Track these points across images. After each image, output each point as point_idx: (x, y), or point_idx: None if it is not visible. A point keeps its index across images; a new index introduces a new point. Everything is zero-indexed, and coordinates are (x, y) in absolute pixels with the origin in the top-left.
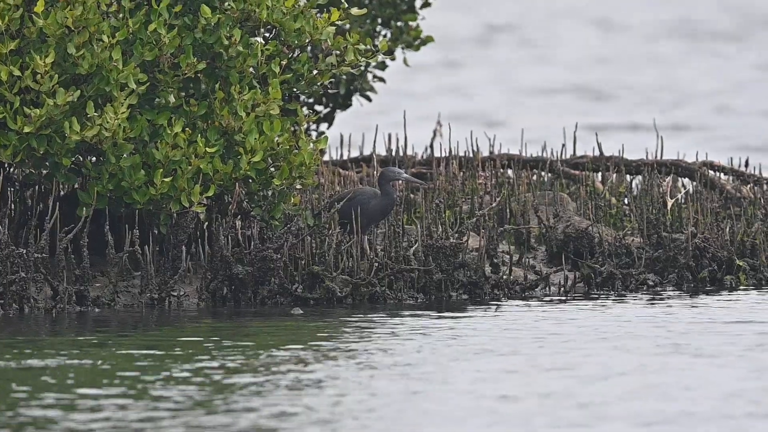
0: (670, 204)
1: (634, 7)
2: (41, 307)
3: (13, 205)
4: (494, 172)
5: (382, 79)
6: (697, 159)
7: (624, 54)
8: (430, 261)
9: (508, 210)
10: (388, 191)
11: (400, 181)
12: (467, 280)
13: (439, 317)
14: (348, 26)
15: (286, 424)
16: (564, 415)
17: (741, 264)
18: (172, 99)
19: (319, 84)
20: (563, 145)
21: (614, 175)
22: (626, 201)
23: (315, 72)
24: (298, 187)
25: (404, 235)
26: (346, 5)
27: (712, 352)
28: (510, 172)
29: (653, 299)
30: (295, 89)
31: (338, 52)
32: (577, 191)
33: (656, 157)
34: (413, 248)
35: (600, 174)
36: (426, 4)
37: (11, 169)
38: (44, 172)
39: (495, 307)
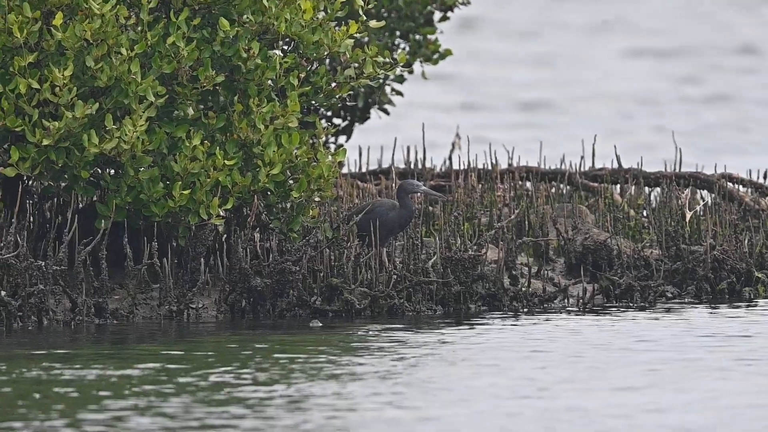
0: (688, 216)
1: None
2: (60, 320)
3: (31, 218)
4: (513, 185)
5: (400, 93)
6: (715, 171)
7: None
8: (448, 273)
9: (526, 222)
10: (407, 203)
11: (419, 194)
12: (486, 292)
13: (458, 329)
14: (366, 39)
15: None
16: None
17: (760, 276)
18: (190, 111)
19: (337, 97)
20: (582, 158)
21: (633, 188)
22: (645, 213)
23: (333, 85)
24: (317, 199)
25: (423, 248)
26: (365, 18)
27: (728, 365)
28: (528, 184)
29: (672, 311)
30: (313, 102)
31: (356, 64)
32: (595, 203)
33: (675, 169)
34: (432, 260)
35: (618, 186)
36: (444, 18)
37: (30, 182)
38: (63, 184)
39: (514, 319)
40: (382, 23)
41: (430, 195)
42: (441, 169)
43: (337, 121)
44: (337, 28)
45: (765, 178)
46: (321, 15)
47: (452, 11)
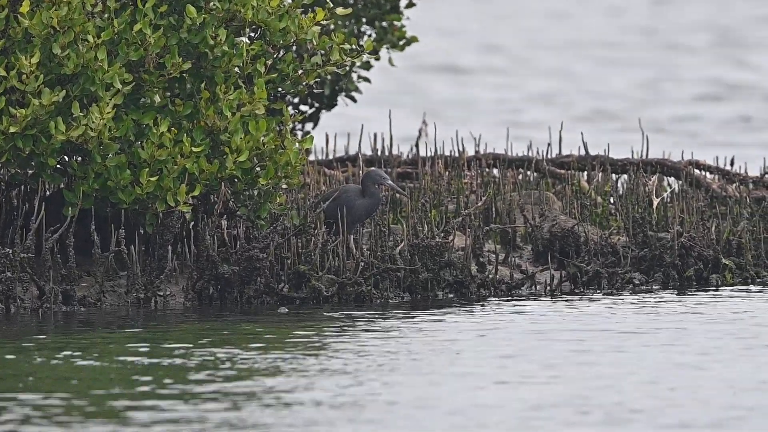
0: (656, 203)
1: None
2: (27, 307)
3: None
4: (480, 172)
5: (367, 79)
6: (682, 158)
7: None
8: (416, 260)
9: (493, 209)
10: (374, 192)
11: (385, 186)
12: (453, 279)
13: (425, 316)
14: (333, 26)
15: (270, 425)
16: (538, 420)
17: (727, 263)
18: (157, 99)
19: (304, 84)
20: (549, 145)
21: (600, 174)
22: (612, 200)
23: (300, 72)
24: (284, 186)
25: (390, 235)
26: (331, 5)
27: (697, 350)
28: (495, 171)
29: (639, 298)
30: (280, 89)
31: (323, 52)
32: (562, 190)
33: (642, 156)
34: (399, 247)
35: (586, 173)
36: (410, 5)
37: None
38: (30, 172)
39: (481, 306)
40: (349, 10)
41: (394, 190)
42: (408, 156)
43: (304, 108)
44: (303, 15)
45: (732, 165)
46: (288, 2)
47: None
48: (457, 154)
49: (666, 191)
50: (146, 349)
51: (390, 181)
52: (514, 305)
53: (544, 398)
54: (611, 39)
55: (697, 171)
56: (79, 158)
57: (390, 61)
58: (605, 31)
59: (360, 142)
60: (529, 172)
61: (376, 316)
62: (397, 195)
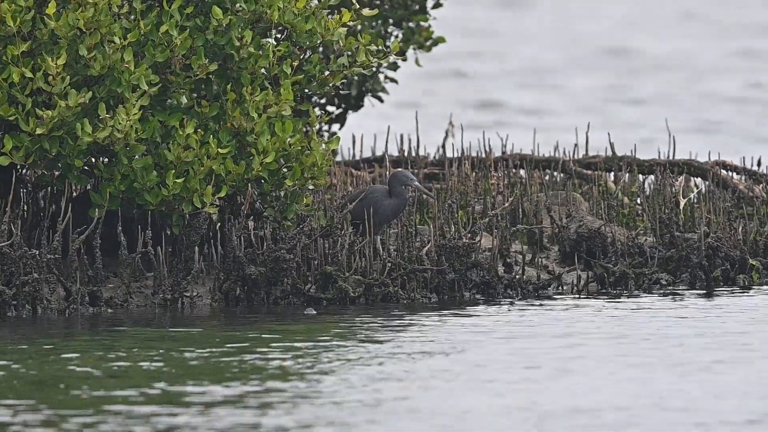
0: (682, 203)
1: None
2: (54, 308)
3: (25, 207)
4: (506, 172)
5: (393, 80)
6: (709, 158)
7: None
8: (443, 261)
9: (520, 210)
10: (400, 192)
11: (412, 187)
12: (480, 279)
13: (452, 317)
14: (359, 28)
15: (294, 428)
16: (564, 423)
17: (754, 263)
18: (183, 100)
19: (330, 85)
20: (575, 145)
21: (627, 175)
22: (639, 201)
23: (327, 73)
24: (311, 187)
25: (417, 235)
26: (358, 6)
27: (723, 352)
28: (522, 172)
29: (666, 298)
30: (306, 90)
31: (350, 53)
32: (589, 191)
33: (669, 156)
34: (426, 248)
35: (612, 174)
36: (437, 5)
37: (24, 171)
38: (56, 173)
39: (508, 306)
40: (375, 11)
41: (421, 191)
42: (434, 157)
43: (330, 109)
44: (330, 16)
45: (759, 165)
46: (314, 3)
47: None
48: (483, 155)
49: (693, 192)
50: (172, 350)
51: (417, 182)
52: (541, 306)
53: (563, 402)
54: None
55: (723, 171)
56: (106, 160)
57: (417, 61)
58: None
59: (387, 142)
60: (555, 173)
61: (403, 316)
62: (424, 196)
